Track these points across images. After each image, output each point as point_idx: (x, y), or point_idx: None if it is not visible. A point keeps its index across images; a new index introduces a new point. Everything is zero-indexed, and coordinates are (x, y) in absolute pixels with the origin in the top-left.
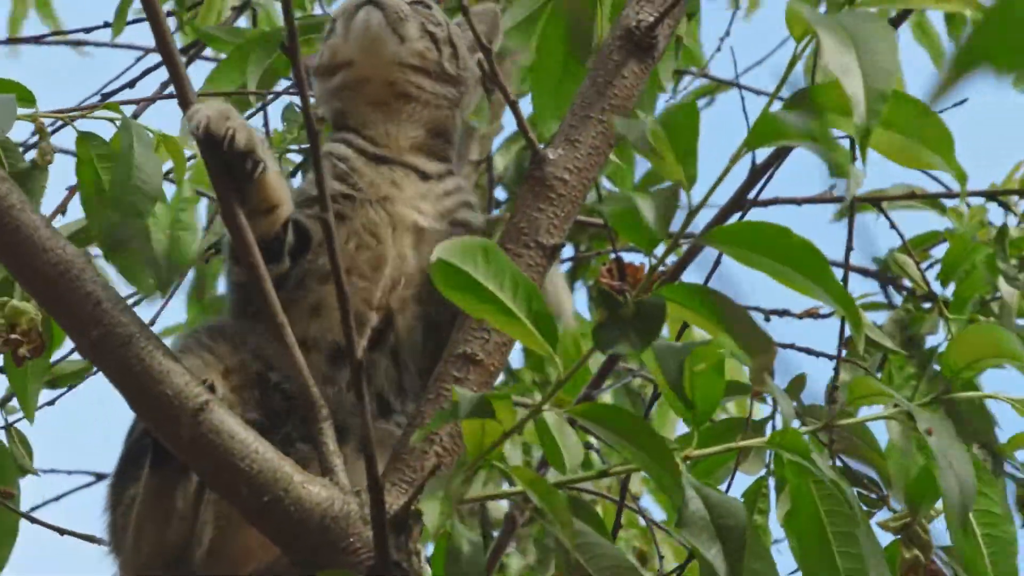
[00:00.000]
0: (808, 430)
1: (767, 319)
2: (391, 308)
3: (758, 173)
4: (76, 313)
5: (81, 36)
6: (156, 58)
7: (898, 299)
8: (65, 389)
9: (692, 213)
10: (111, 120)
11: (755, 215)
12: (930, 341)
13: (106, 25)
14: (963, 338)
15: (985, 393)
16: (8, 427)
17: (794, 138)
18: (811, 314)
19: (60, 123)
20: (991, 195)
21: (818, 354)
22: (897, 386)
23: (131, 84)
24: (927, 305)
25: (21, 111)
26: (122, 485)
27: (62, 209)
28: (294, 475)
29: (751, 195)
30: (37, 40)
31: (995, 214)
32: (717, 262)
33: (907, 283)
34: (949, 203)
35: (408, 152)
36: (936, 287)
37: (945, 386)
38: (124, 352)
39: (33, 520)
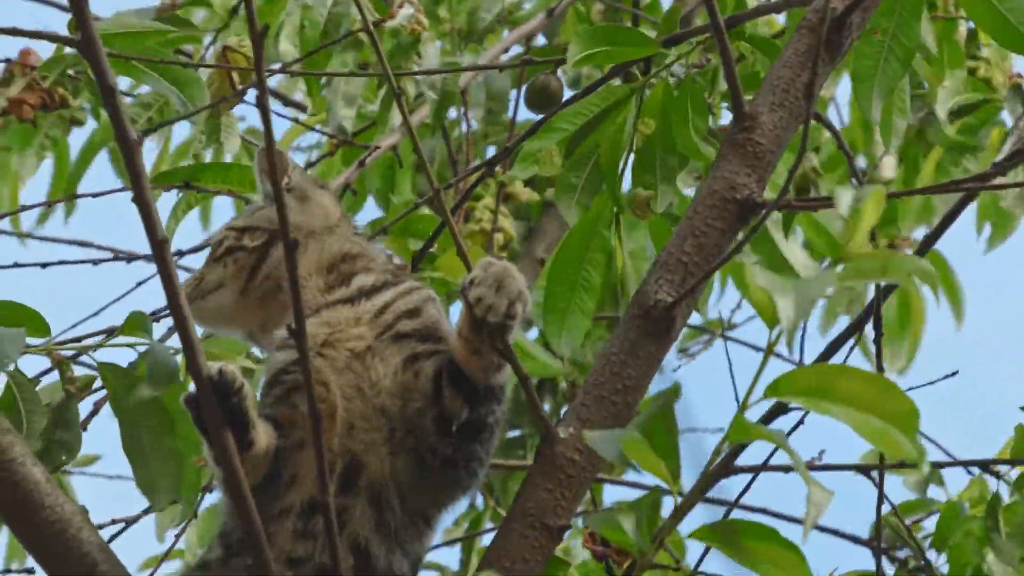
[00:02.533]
0: None
1: None
2: (354, 451)
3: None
4: (72, 574)
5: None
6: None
7: (890, 570)
8: None
9: (680, 509)
10: (131, 346)
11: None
12: None
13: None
14: None
15: None
16: None
17: (768, 440)
18: None
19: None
20: (984, 464)
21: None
22: None
23: (156, 316)
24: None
25: (35, 341)
26: None
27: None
28: None
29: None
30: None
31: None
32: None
33: (900, 554)
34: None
35: (324, 295)
36: (931, 556)
37: None
38: None
39: None
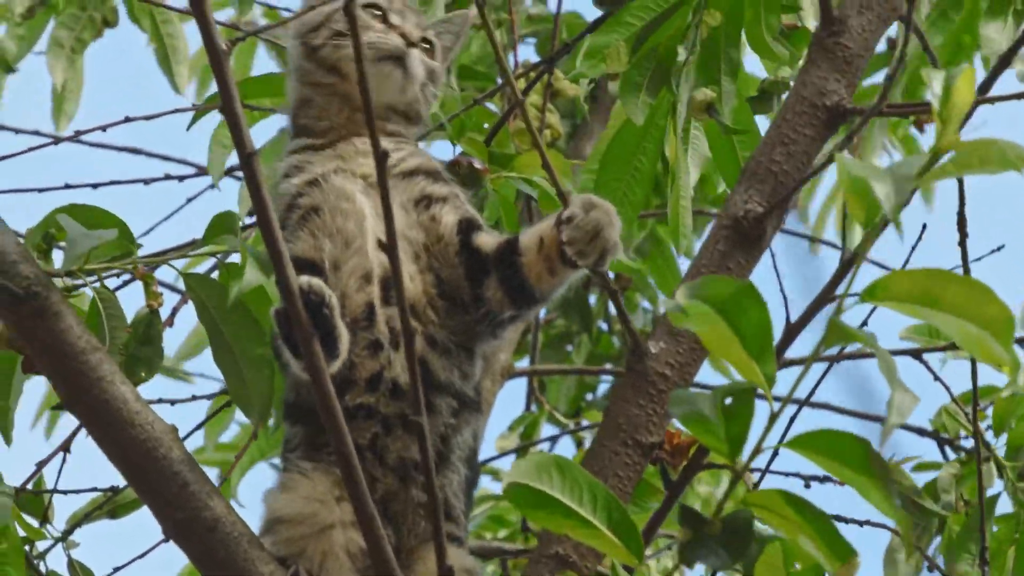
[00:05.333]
0: None
1: (807, 486)
2: (385, 263)
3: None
4: (161, 493)
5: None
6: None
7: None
8: None
9: (774, 417)
10: (212, 254)
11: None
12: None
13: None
14: None
15: None
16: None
17: (863, 342)
18: None
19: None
20: None
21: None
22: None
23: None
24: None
25: (117, 257)
26: None
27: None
28: None
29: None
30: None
31: None
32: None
33: (964, 443)
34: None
35: (357, 133)
36: (991, 442)
37: None
38: (209, 537)
39: None
